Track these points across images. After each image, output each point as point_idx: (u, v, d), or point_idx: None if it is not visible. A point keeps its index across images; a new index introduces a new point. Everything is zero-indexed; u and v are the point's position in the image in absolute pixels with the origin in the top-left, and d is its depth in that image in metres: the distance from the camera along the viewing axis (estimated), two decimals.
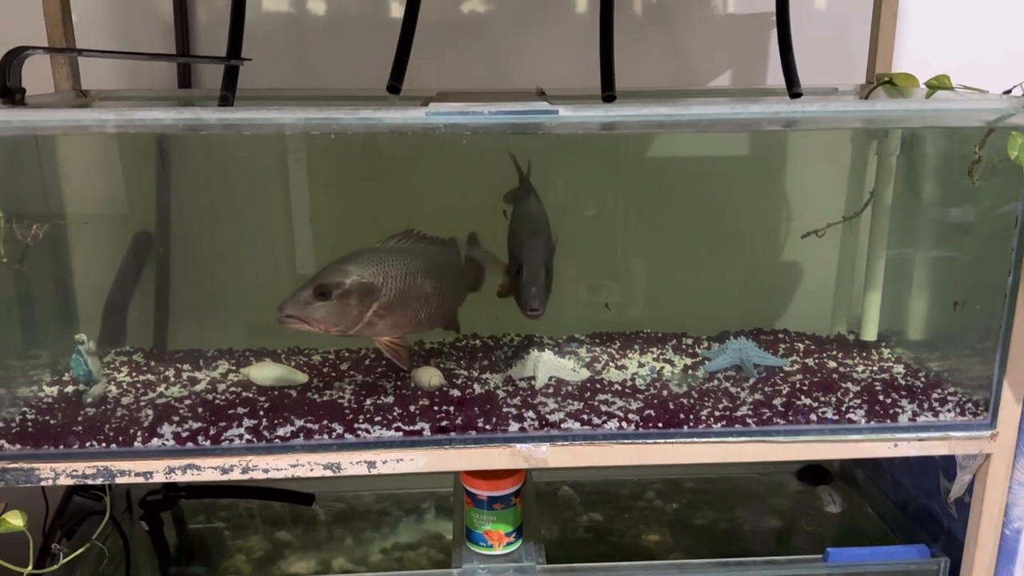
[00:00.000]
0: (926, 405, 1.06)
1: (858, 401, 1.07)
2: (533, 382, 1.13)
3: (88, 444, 0.97)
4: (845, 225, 1.27)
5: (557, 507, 1.37)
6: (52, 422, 1.02)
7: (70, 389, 1.11)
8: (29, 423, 1.02)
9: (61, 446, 0.97)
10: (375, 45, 1.32)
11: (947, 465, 1.11)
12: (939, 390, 1.10)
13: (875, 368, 1.19)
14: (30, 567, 0.96)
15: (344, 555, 1.29)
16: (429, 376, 1.11)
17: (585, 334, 1.29)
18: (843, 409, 1.05)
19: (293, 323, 0.99)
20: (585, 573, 1.07)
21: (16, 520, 0.93)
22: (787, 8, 1.13)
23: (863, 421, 1.03)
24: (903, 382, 1.14)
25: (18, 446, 0.97)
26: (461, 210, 1.24)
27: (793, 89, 1.11)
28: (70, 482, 0.95)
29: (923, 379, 1.15)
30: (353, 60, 1.35)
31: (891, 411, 1.05)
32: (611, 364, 1.20)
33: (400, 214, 1.24)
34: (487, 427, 1.01)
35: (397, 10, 1.34)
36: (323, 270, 1.02)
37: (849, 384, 1.13)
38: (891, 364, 1.21)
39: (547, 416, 1.03)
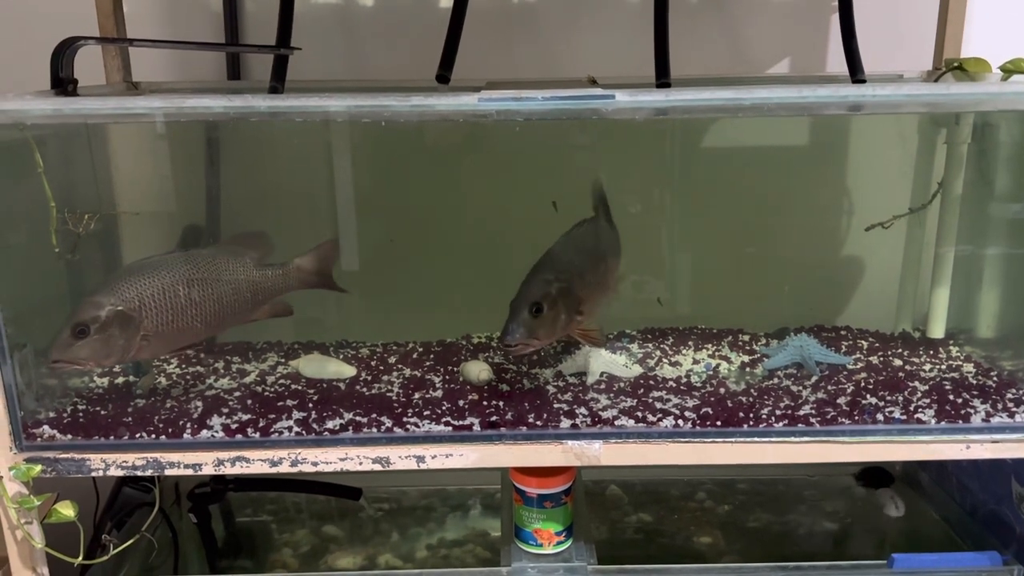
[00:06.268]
0: (1000, 406, 1.01)
1: (927, 401, 1.02)
2: (584, 378, 1.10)
3: (138, 435, 0.97)
4: (911, 218, 1.22)
5: (605, 507, 1.34)
6: (103, 413, 1.02)
7: (120, 381, 1.11)
8: (80, 414, 1.02)
9: (111, 437, 0.97)
10: (424, 35, 1.30)
11: (1020, 469, 1.06)
12: (1013, 390, 1.05)
13: (944, 367, 1.14)
14: (81, 557, 0.97)
15: (390, 551, 1.27)
16: (478, 370, 1.09)
17: (637, 330, 1.26)
18: (911, 409, 1.00)
19: (64, 367, 0.95)
20: (638, 575, 1.04)
21: (67, 510, 0.94)
22: None
23: (933, 421, 0.99)
24: (974, 381, 1.08)
25: (69, 436, 0.97)
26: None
27: (857, 76, 1.07)
28: (120, 473, 0.95)
29: (996, 378, 1.09)
30: (402, 50, 1.34)
31: (963, 411, 1.00)
32: (664, 360, 1.16)
33: (444, 210, 1.23)
34: (538, 423, 0.99)
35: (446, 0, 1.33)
36: (78, 306, 0.96)
37: (917, 383, 1.08)
38: (960, 363, 1.15)
39: (599, 413, 1.00)
